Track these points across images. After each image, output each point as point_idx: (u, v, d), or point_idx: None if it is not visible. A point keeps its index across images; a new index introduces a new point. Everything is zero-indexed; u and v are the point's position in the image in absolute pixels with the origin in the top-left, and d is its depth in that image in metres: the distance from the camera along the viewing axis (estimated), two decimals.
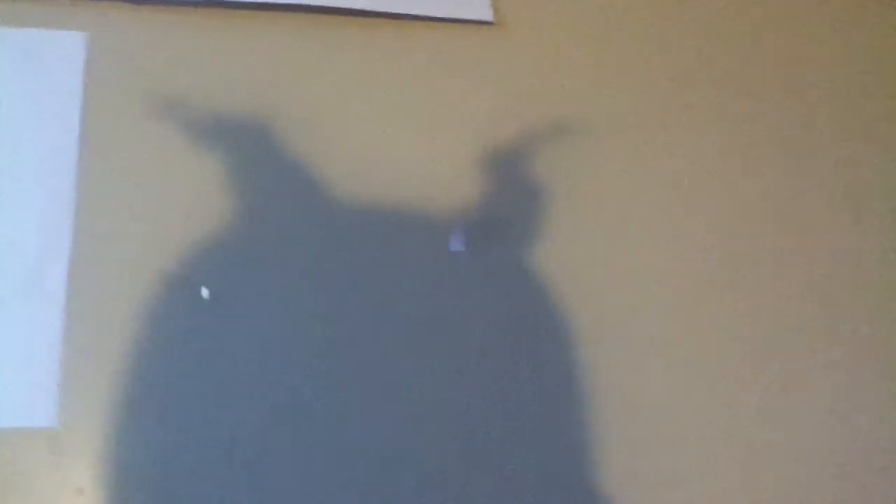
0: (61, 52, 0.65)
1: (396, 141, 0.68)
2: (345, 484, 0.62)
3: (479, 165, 0.68)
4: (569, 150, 0.69)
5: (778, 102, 0.73)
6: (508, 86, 0.70)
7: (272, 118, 0.66)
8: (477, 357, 0.65)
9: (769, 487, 0.66)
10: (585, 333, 0.66)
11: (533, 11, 0.71)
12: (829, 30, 0.75)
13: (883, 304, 0.70)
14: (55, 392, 0.60)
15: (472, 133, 0.69)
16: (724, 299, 0.69)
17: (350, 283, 0.65)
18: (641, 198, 0.70)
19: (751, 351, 0.68)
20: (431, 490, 0.62)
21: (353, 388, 0.63)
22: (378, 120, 0.68)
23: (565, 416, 0.65)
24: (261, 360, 0.63)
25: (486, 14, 0.70)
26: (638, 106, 0.71)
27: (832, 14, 0.75)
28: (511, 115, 0.69)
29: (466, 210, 0.67)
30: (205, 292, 0.62)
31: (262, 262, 0.64)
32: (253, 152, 0.66)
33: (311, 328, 0.64)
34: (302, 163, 0.66)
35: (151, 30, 0.66)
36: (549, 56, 0.71)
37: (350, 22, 0.68)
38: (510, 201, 0.68)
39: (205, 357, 0.62)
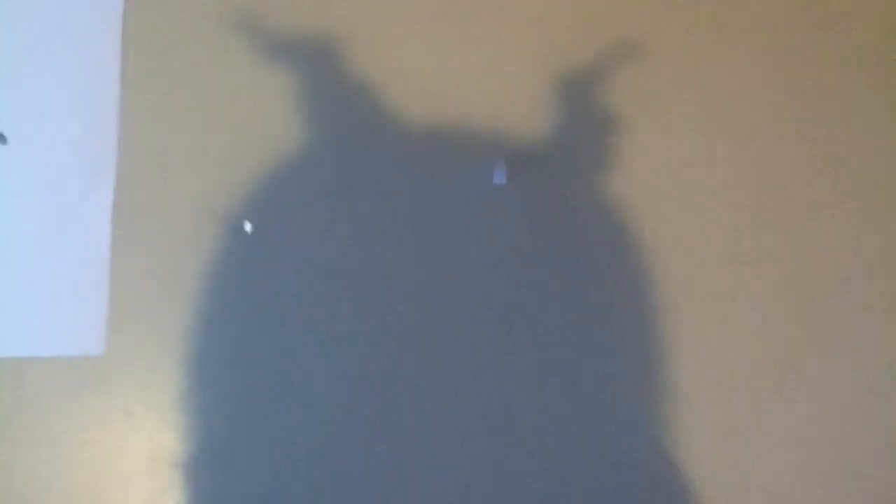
0: None
1: (459, 66, 0.66)
2: (386, 408, 0.63)
3: (544, 91, 0.66)
4: (634, 74, 0.67)
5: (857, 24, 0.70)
6: (573, 9, 0.68)
7: (329, 41, 0.65)
8: (535, 292, 0.65)
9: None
10: (653, 268, 0.66)
11: None
12: None
13: None
14: (102, 321, 0.62)
15: (536, 57, 0.67)
16: (802, 228, 0.67)
17: (400, 215, 0.65)
18: (709, 123, 0.68)
19: (828, 283, 0.67)
20: (473, 433, 0.64)
21: (399, 322, 0.64)
22: (441, 44, 0.67)
23: (631, 361, 0.65)
24: (302, 293, 0.63)
25: None
26: (705, 29, 0.69)
27: None
28: (576, 39, 0.67)
29: (524, 138, 0.66)
30: (248, 226, 0.63)
31: (305, 196, 0.64)
32: (306, 78, 0.65)
33: (355, 263, 0.64)
34: (358, 89, 0.65)
35: None
36: None
37: None
38: (574, 128, 0.66)
39: (247, 289, 0.63)
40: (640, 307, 0.66)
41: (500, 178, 0.66)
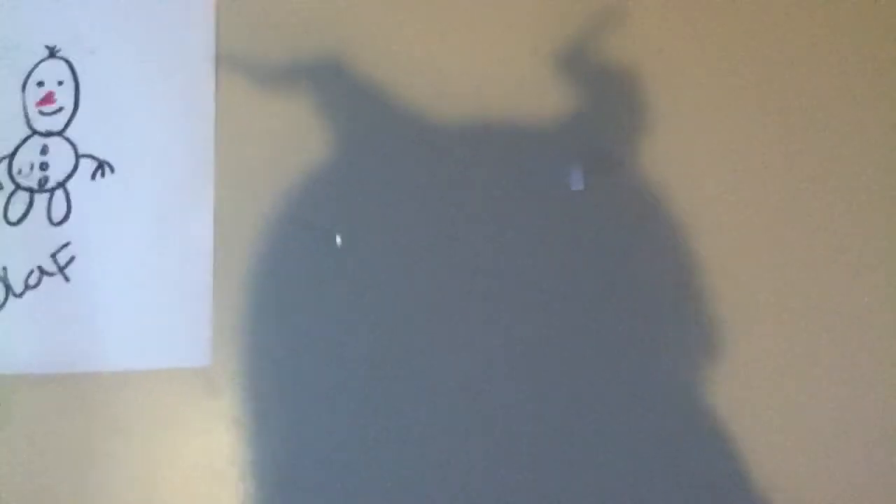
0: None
1: (468, 54, 0.69)
2: (471, 423, 0.65)
3: (557, 74, 0.68)
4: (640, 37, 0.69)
5: None
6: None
7: (351, 54, 0.69)
8: (596, 288, 0.67)
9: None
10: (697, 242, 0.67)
11: None
12: None
13: None
14: (208, 334, 0.65)
15: (541, 41, 0.68)
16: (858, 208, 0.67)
17: (471, 218, 0.67)
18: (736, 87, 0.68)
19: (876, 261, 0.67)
20: (551, 426, 0.65)
21: (480, 329, 0.66)
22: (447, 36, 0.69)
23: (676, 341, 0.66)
24: (389, 301, 0.66)
25: None
26: None
27: None
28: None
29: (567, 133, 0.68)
30: (338, 239, 0.66)
31: (386, 208, 0.67)
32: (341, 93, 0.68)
33: (435, 269, 0.67)
34: (388, 96, 0.68)
35: None
36: None
37: None
38: (598, 107, 0.68)
39: (339, 298, 0.66)
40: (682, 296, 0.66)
41: (577, 184, 0.68)
